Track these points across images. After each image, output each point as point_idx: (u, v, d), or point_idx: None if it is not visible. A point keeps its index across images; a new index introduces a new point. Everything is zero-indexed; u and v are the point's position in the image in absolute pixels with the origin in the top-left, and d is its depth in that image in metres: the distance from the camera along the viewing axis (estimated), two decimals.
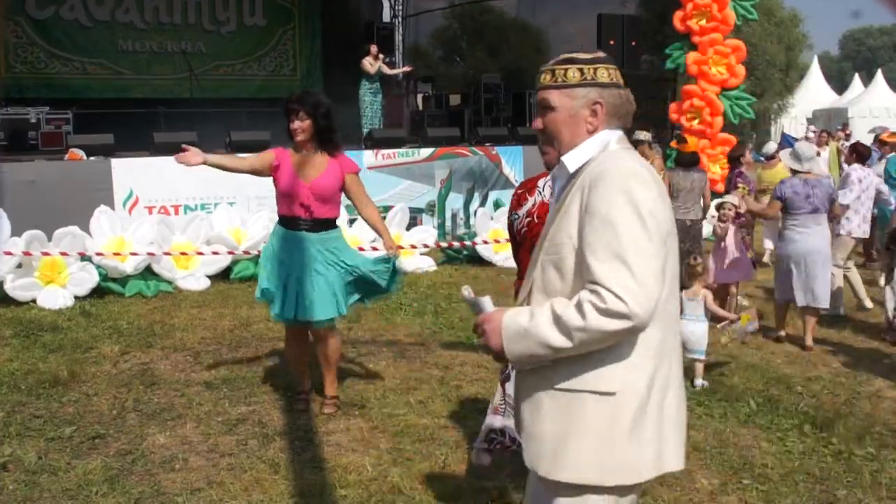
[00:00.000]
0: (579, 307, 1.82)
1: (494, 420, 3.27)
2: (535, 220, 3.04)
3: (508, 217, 3.22)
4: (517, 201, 3.16)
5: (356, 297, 4.55)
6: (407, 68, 14.15)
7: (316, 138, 4.38)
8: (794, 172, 6.03)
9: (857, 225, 7.27)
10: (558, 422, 1.93)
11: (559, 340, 1.85)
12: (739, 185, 7.12)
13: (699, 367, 5.21)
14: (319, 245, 4.37)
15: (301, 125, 4.32)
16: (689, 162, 7.11)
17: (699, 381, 5.18)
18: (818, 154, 13.56)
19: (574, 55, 2.02)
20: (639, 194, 1.84)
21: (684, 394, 2.04)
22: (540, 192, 3.07)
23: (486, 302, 2.03)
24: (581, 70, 1.99)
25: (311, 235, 4.37)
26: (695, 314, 5.24)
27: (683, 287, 5.35)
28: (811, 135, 15.79)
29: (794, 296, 5.97)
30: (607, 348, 1.87)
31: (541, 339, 1.86)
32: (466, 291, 2.10)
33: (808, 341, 5.98)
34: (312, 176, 4.37)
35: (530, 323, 1.89)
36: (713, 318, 5.33)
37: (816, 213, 5.91)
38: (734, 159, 7.50)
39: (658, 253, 1.84)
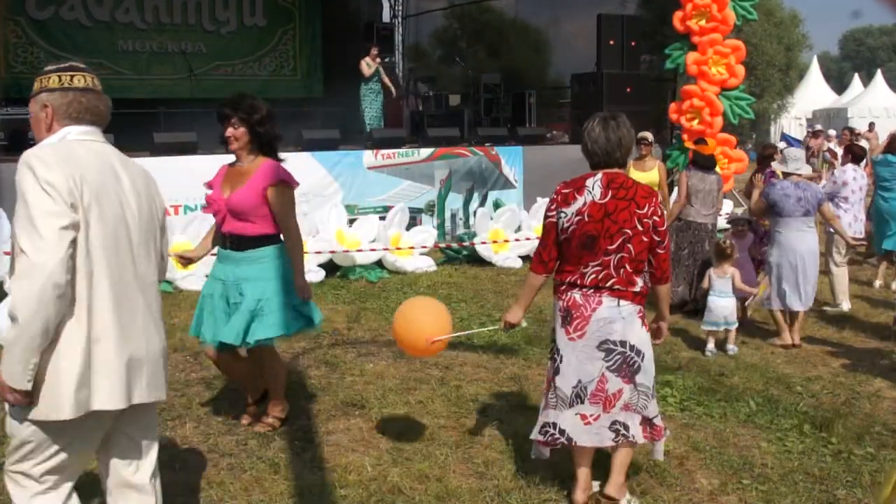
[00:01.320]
0: (13, 272, 2.23)
1: (547, 414, 3.44)
2: (586, 219, 3.27)
3: (551, 213, 3.37)
4: (564, 199, 3.33)
5: (264, 329, 4.06)
6: (392, 89, 13.62)
7: (254, 147, 4.04)
8: (784, 175, 5.99)
9: (848, 224, 7.29)
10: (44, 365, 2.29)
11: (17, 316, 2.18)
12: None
13: (731, 335, 5.90)
14: (240, 264, 4.03)
15: (234, 133, 3.97)
16: (707, 164, 6.97)
17: (731, 347, 5.87)
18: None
19: (46, 68, 2.45)
20: (39, 171, 2.23)
21: (128, 344, 2.37)
22: (590, 192, 3.29)
23: None
24: (40, 80, 2.44)
25: (234, 254, 4.04)
26: (723, 290, 5.87)
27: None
28: (832, 133, 15.73)
29: (795, 301, 5.93)
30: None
31: (16, 335, 2.19)
32: None
33: (797, 339, 6.03)
34: (232, 189, 4.01)
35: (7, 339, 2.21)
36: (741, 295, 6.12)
37: (808, 215, 5.88)
38: (766, 157, 7.48)
39: (62, 213, 2.22)
